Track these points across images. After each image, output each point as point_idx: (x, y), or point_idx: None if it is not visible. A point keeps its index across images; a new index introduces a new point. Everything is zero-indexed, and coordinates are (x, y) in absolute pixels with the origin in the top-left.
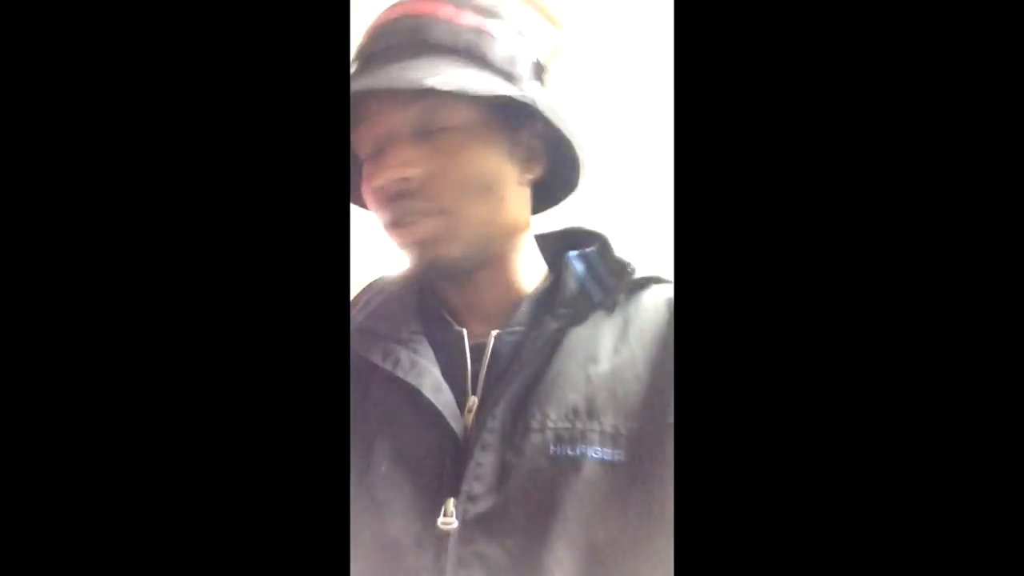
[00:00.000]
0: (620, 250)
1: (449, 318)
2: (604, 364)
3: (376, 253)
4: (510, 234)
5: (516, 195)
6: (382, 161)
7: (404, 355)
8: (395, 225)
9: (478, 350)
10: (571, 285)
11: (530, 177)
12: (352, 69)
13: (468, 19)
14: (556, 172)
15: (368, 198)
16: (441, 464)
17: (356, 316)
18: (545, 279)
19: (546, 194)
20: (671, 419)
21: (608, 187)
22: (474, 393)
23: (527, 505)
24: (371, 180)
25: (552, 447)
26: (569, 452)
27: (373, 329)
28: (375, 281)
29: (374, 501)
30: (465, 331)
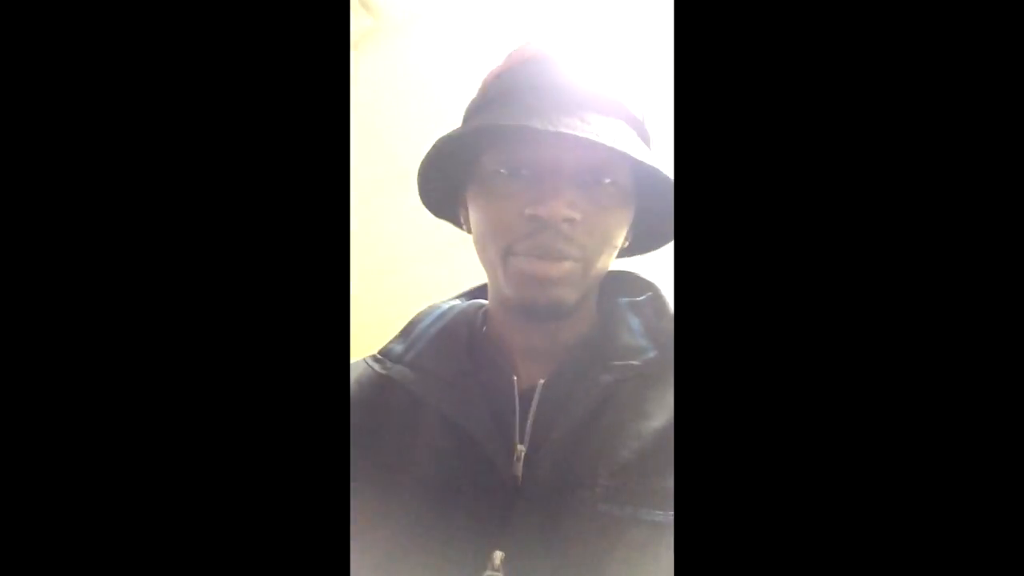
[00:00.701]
0: (671, 302)
1: (502, 361)
2: (656, 420)
3: (376, 254)
4: (594, 290)
5: (612, 258)
6: (544, 192)
7: (455, 395)
8: (532, 255)
9: (526, 397)
10: (625, 338)
11: (630, 239)
12: (488, 92)
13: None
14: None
15: (498, 216)
16: (488, 512)
17: (403, 351)
18: (595, 325)
19: None
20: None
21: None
22: (521, 442)
23: (574, 566)
24: (531, 206)
25: (601, 504)
26: (617, 512)
27: (421, 365)
28: (422, 312)
29: (412, 543)
30: (516, 377)
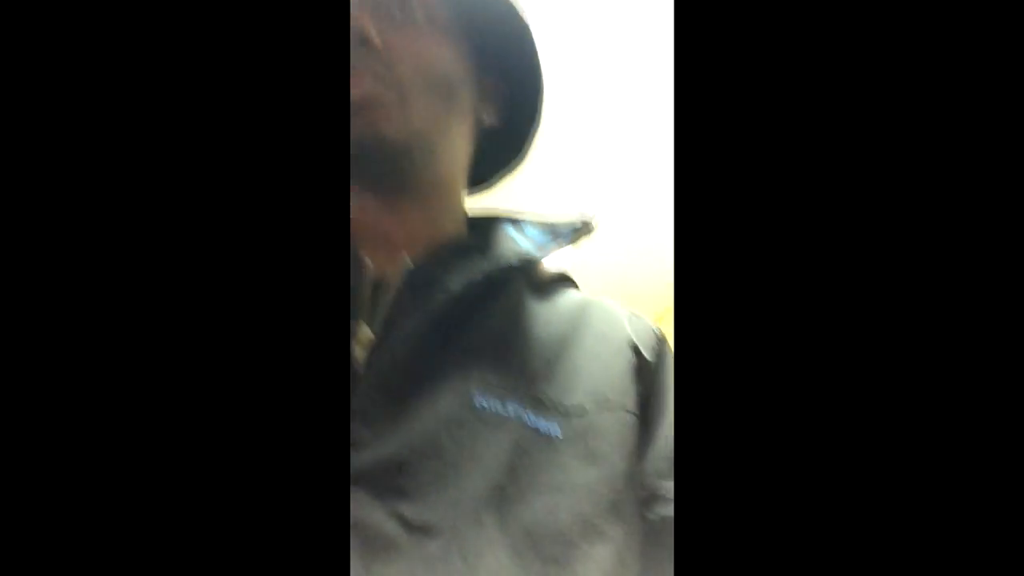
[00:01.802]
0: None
1: (353, 247)
2: (543, 329)
3: None
4: (448, 170)
5: (467, 131)
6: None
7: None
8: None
9: (381, 287)
10: (504, 239)
11: (484, 119)
12: None
13: None
14: (501, 140)
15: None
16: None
17: None
18: (468, 237)
19: (486, 168)
20: (630, 409)
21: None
22: (369, 326)
23: (436, 463)
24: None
25: (477, 398)
26: (499, 410)
27: None
28: None
29: None
30: (369, 261)
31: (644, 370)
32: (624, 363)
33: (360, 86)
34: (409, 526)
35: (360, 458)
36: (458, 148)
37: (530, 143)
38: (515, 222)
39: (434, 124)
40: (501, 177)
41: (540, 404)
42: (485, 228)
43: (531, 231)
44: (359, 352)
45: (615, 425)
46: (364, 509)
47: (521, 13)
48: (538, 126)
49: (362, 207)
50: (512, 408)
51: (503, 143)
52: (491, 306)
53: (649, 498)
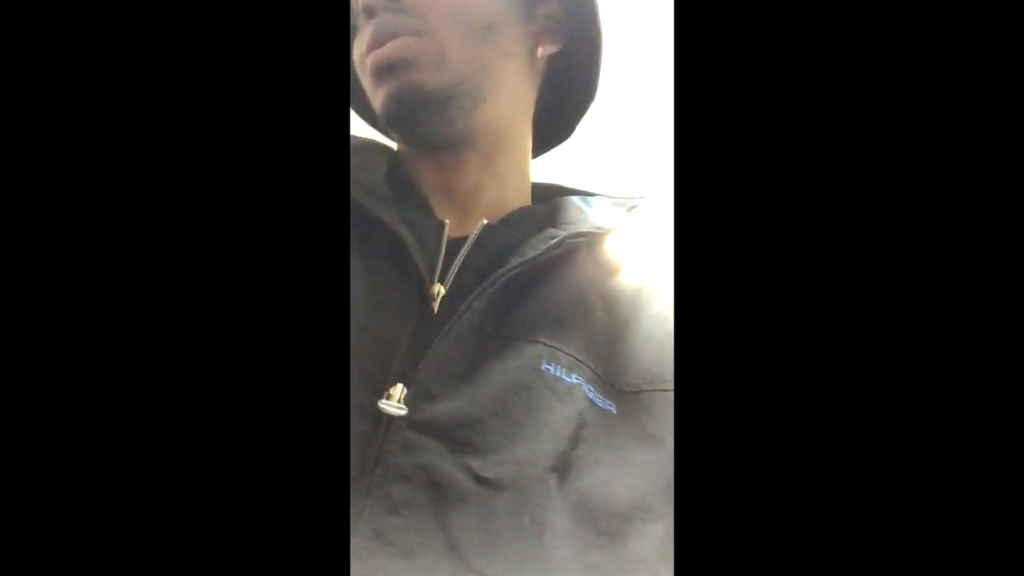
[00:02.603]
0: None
1: (421, 200)
2: (601, 306)
3: None
4: (507, 115)
5: (521, 69)
6: None
7: (380, 208)
8: (372, 48)
9: (455, 244)
10: (572, 209)
11: (542, 51)
12: None
13: None
14: (564, 95)
15: (356, 44)
16: (401, 341)
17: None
18: (538, 204)
19: (548, 132)
20: (669, 385)
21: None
22: (441, 282)
23: (504, 421)
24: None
25: (545, 364)
26: (564, 377)
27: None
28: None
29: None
30: (447, 221)
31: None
32: (666, 349)
33: (392, 42)
34: (478, 479)
35: (433, 410)
36: (515, 89)
37: (597, 74)
38: (581, 195)
39: (480, 67)
40: (574, 119)
41: (599, 379)
42: (552, 197)
43: (598, 205)
44: (432, 306)
45: (668, 408)
46: (436, 459)
47: None
48: (601, 53)
49: (421, 167)
50: (576, 379)
51: (568, 79)
52: (560, 275)
53: None
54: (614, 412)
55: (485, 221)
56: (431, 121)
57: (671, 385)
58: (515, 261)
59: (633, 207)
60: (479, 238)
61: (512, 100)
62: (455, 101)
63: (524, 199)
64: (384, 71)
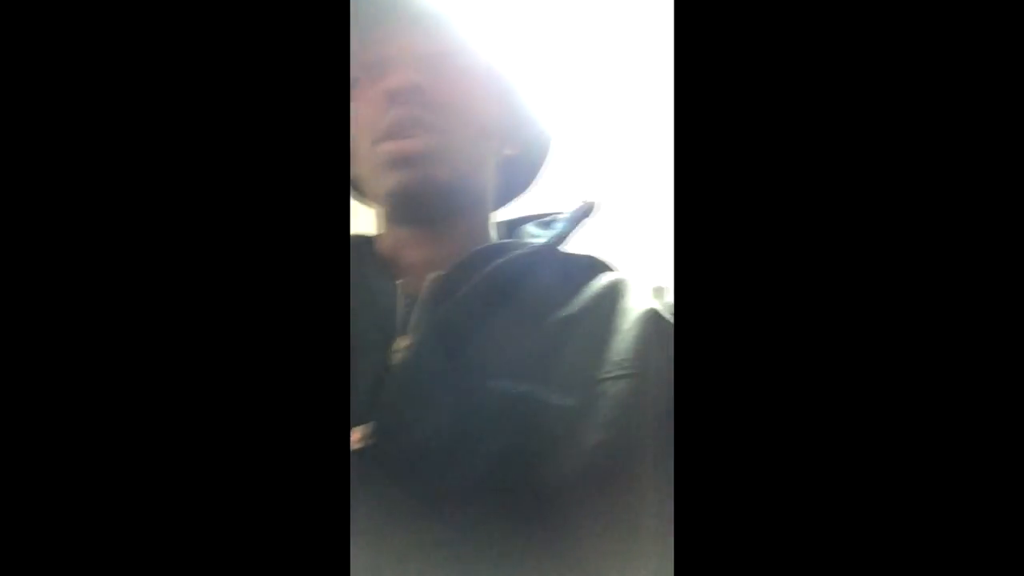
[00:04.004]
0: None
1: (386, 272)
2: (566, 309)
3: None
4: (480, 198)
5: (491, 164)
6: (393, 70)
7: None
8: (392, 136)
9: (413, 296)
10: (524, 237)
11: (507, 152)
12: None
13: None
14: (519, 163)
15: (363, 115)
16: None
17: None
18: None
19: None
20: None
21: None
22: (403, 334)
23: (457, 443)
24: (384, 84)
25: (490, 382)
26: (512, 390)
27: None
28: None
29: None
30: (400, 282)
31: (664, 334)
32: (642, 331)
33: (414, 139)
34: (434, 497)
35: (388, 446)
36: (488, 179)
37: (541, 171)
38: (538, 219)
39: (474, 163)
40: (515, 198)
41: (553, 379)
42: (503, 230)
43: (543, 223)
44: (398, 357)
45: (625, 391)
46: (376, 488)
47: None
48: (549, 156)
49: (397, 241)
50: (525, 387)
51: (518, 171)
52: (498, 299)
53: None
54: (572, 405)
55: (431, 275)
56: (433, 208)
57: (632, 370)
58: (461, 295)
59: (572, 215)
60: (427, 290)
61: (486, 185)
62: (453, 194)
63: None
64: (402, 162)
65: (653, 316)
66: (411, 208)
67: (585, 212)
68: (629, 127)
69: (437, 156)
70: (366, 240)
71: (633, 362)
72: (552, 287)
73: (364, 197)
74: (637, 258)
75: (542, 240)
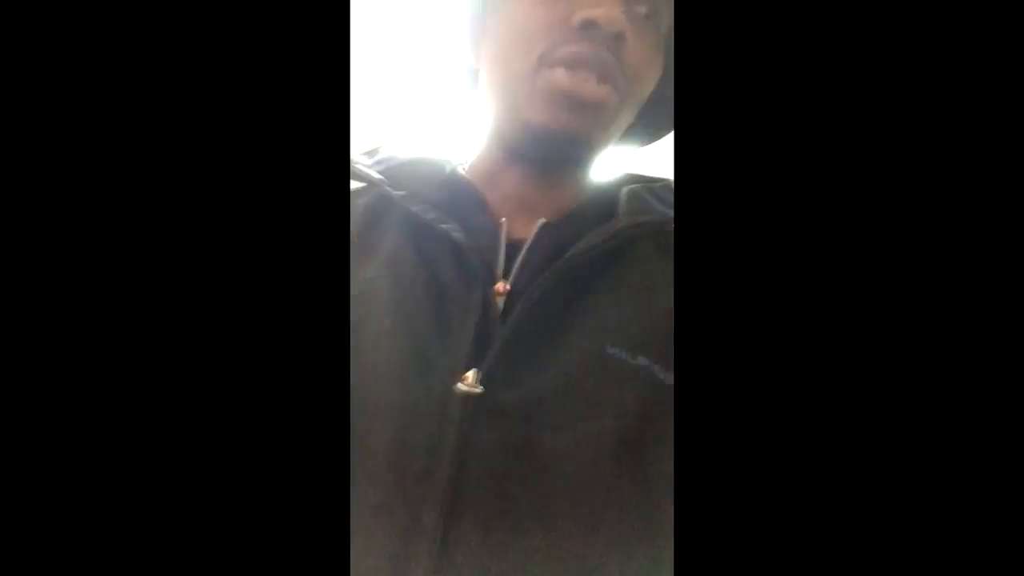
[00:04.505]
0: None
1: (484, 204)
2: (666, 288)
3: None
4: (606, 151)
5: (628, 123)
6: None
7: (434, 215)
8: (576, 66)
9: (514, 246)
10: (636, 202)
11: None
12: None
13: None
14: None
15: (539, 19)
16: (464, 338)
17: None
18: (601, 198)
19: None
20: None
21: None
22: (505, 279)
23: (571, 400)
24: (585, 9)
25: (609, 347)
26: (630, 360)
27: (396, 178)
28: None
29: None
30: (504, 221)
31: None
32: None
33: (597, 85)
34: (549, 453)
35: (505, 393)
36: (620, 132)
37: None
38: (647, 182)
39: (624, 128)
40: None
41: (664, 358)
42: (619, 187)
43: (663, 191)
44: (497, 302)
45: None
46: (510, 434)
47: None
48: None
49: (514, 179)
50: (642, 360)
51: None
52: (621, 264)
53: None
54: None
55: (543, 220)
56: (562, 155)
57: None
58: (569, 254)
59: None
60: (538, 237)
61: (615, 139)
62: (595, 149)
63: (592, 198)
64: (571, 103)
65: None
66: (545, 149)
67: None
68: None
69: (607, 115)
70: (451, 164)
71: None
72: (657, 263)
73: (483, 105)
74: None
75: (659, 219)
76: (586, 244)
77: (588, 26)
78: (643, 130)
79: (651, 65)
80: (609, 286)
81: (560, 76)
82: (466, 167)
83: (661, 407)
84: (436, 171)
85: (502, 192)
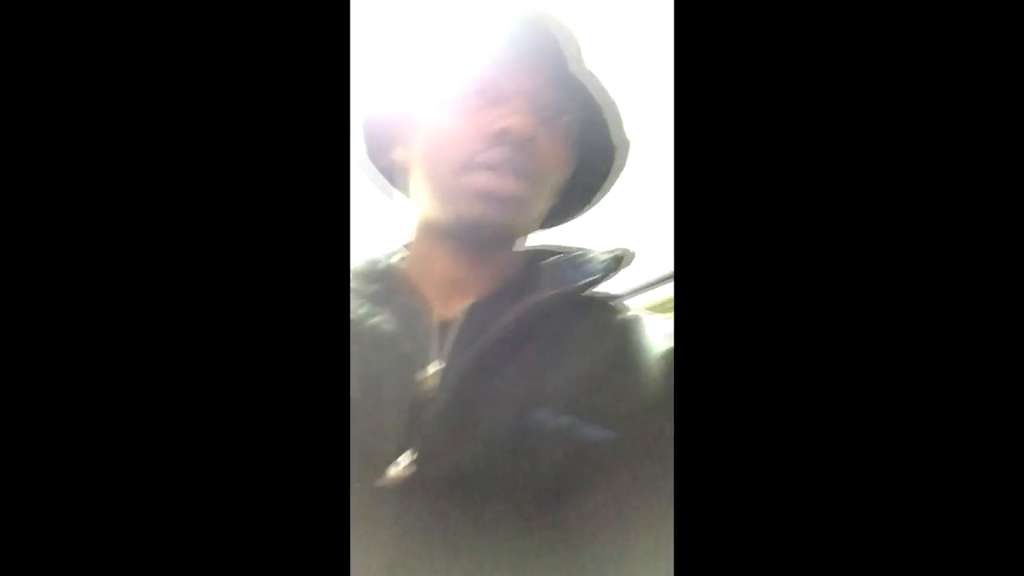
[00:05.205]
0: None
1: (416, 293)
2: (593, 353)
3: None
4: (528, 232)
5: (549, 206)
6: (513, 110)
7: (369, 309)
8: (494, 169)
9: (446, 324)
10: (555, 272)
11: (560, 198)
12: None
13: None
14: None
15: (461, 128)
16: (402, 419)
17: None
18: (523, 273)
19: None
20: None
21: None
22: (439, 360)
23: (495, 469)
24: (500, 120)
25: (531, 414)
26: (552, 422)
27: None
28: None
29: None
30: (434, 306)
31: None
32: (663, 369)
33: (513, 181)
34: (472, 523)
35: (428, 468)
36: (541, 216)
37: (590, 206)
38: (565, 254)
39: (546, 209)
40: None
41: (594, 414)
42: (536, 264)
43: (577, 262)
44: (431, 381)
45: (659, 426)
46: (430, 506)
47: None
48: (603, 196)
49: (447, 264)
50: (567, 419)
51: (569, 204)
52: (545, 331)
53: None
54: (614, 437)
55: (472, 301)
56: (486, 241)
57: (663, 409)
58: (494, 330)
59: (605, 261)
60: (468, 317)
61: (538, 222)
62: (515, 234)
63: (515, 274)
64: (492, 197)
65: (670, 354)
66: (474, 238)
67: (617, 263)
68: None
69: (525, 206)
70: (392, 254)
71: (658, 399)
72: (580, 327)
73: (413, 198)
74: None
75: (575, 286)
76: (511, 317)
77: (504, 134)
78: (564, 209)
79: (561, 159)
80: (534, 354)
81: (483, 177)
82: (400, 258)
83: (586, 459)
84: (371, 266)
85: (436, 277)
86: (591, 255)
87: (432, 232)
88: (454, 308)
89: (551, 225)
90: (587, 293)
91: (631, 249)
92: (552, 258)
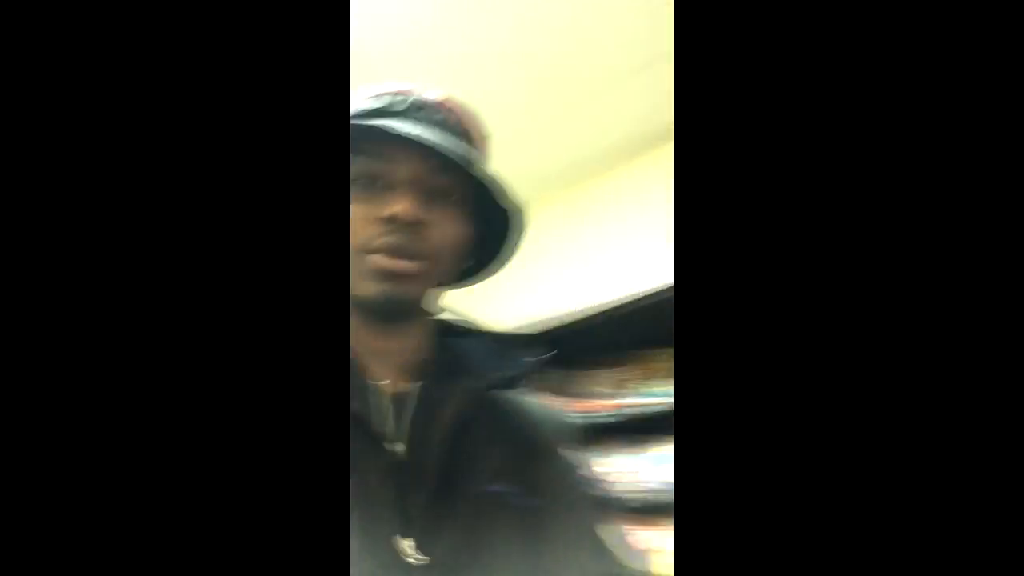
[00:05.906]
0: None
1: (363, 371)
2: (530, 419)
3: None
4: (439, 300)
5: (454, 274)
6: (399, 198)
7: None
8: (387, 252)
9: (399, 400)
10: (477, 354)
11: (471, 261)
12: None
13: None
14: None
15: (356, 219)
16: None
17: None
18: (440, 349)
19: None
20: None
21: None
22: (400, 442)
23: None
24: (388, 208)
25: (490, 488)
26: (505, 492)
27: None
28: None
29: None
30: (385, 382)
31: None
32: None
33: (407, 262)
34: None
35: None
36: (448, 282)
37: (493, 272)
38: (469, 331)
39: (446, 278)
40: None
41: (527, 486)
42: (462, 340)
43: (492, 343)
44: (399, 450)
45: (583, 500)
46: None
47: (510, 196)
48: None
49: (364, 339)
50: (498, 488)
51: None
52: (486, 416)
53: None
54: (538, 504)
55: (420, 383)
56: (397, 316)
57: (571, 481)
58: (449, 412)
59: (524, 342)
60: (421, 398)
61: (446, 290)
62: (421, 305)
63: (438, 345)
64: (389, 276)
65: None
66: (384, 312)
67: (543, 363)
68: (629, 130)
69: (422, 280)
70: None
71: (569, 475)
72: (514, 407)
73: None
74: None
75: (508, 375)
76: (455, 407)
77: (392, 220)
78: (476, 267)
79: (453, 234)
80: (485, 436)
81: (378, 260)
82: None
83: (514, 523)
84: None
85: (369, 349)
86: (512, 335)
87: (353, 306)
88: (396, 377)
89: (469, 282)
90: (515, 375)
91: (553, 352)
92: (473, 337)
